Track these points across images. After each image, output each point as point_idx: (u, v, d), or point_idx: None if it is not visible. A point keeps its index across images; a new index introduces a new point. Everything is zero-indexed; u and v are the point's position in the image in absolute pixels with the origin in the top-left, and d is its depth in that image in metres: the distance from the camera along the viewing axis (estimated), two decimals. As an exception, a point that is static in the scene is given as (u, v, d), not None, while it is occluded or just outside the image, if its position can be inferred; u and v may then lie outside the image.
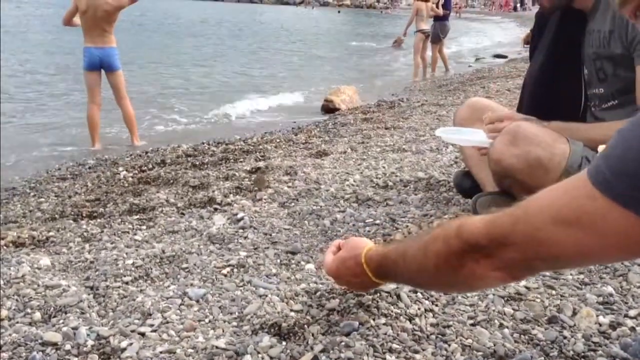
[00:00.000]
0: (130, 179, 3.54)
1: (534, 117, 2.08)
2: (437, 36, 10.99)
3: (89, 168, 4.35)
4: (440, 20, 11.08)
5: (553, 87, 2.18)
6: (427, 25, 10.82)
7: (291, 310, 1.62)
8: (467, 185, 2.52)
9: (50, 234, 2.47)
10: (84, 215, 2.78)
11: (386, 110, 6.09)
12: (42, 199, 3.31)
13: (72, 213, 2.84)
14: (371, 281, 1.35)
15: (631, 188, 0.66)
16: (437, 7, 10.87)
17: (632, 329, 1.50)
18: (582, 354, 1.40)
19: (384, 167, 3.28)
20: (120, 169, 3.94)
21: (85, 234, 2.46)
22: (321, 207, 2.57)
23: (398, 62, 13.13)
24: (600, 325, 1.52)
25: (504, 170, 1.95)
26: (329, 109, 7.33)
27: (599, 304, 1.62)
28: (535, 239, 0.78)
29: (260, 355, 1.39)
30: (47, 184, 3.83)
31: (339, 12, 45.39)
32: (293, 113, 7.50)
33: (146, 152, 4.68)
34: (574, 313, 1.57)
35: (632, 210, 0.66)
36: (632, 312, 1.57)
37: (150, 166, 3.89)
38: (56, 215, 2.83)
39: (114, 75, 5.38)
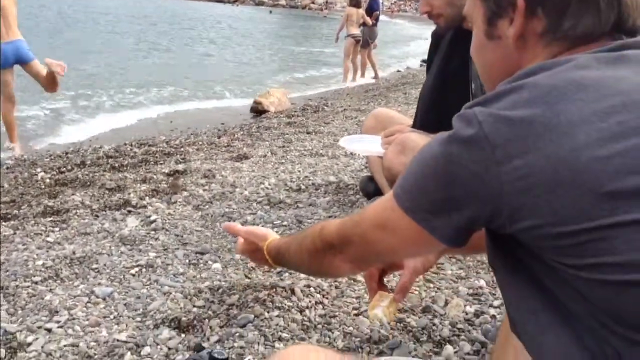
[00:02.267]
0: (47, 180, 3.54)
1: (424, 129, 2.29)
2: (366, 41, 11.28)
3: (7, 169, 4.30)
4: (367, 25, 11.38)
5: (443, 101, 2.39)
6: (358, 30, 11.11)
7: (194, 306, 1.75)
8: (371, 189, 2.73)
9: (-39, 235, 2.49)
10: (-2, 217, 2.79)
11: (310, 114, 6.28)
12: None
13: (-15, 215, 2.84)
14: (274, 266, 1.58)
15: (410, 201, 0.83)
16: (366, 13, 11.18)
17: (493, 316, 1.72)
18: (448, 338, 1.61)
19: (299, 172, 3.45)
20: (39, 170, 3.93)
21: (-3, 235, 2.50)
22: (233, 209, 2.70)
23: (332, 66, 13.35)
24: (466, 313, 1.74)
25: (394, 177, 2.15)
26: (257, 110, 7.45)
27: (469, 295, 1.85)
28: (364, 239, 0.96)
29: (159, 347, 1.52)
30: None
31: (270, 12, 42.85)
32: (223, 114, 7.57)
33: (66, 153, 4.65)
34: (446, 303, 1.78)
35: (412, 219, 0.83)
36: (496, 303, 1.80)
37: (69, 167, 3.90)
38: (-32, 217, 2.83)
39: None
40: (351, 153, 3.74)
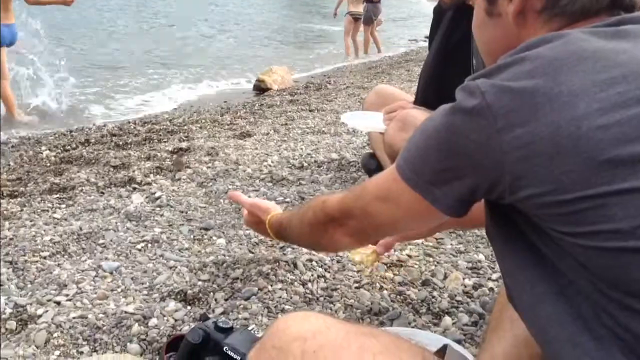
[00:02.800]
0: (52, 158, 3.58)
1: (425, 105, 2.31)
2: (369, 18, 11.20)
3: (12, 147, 4.33)
4: (372, 2, 11.29)
5: (443, 77, 2.41)
6: (357, 8, 11.02)
7: (199, 279, 1.80)
8: (373, 166, 2.75)
9: (-30, 212, 2.53)
10: (5, 194, 2.83)
11: (313, 92, 6.27)
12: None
13: (-7, 192, 2.88)
14: (275, 240, 1.60)
15: (412, 172, 0.84)
16: None
17: (491, 289, 1.76)
18: (446, 310, 1.65)
19: (301, 149, 3.47)
20: (43, 148, 3.95)
21: (5, 212, 2.54)
22: (237, 186, 2.73)
23: (336, 43, 13.26)
24: (465, 286, 1.78)
25: (395, 153, 2.16)
26: (260, 88, 7.45)
27: (468, 269, 1.89)
28: (366, 212, 0.98)
29: (165, 318, 1.57)
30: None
31: None
32: (225, 92, 7.57)
33: (70, 131, 4.68)
34: (445, 277, 1.82)
35: (413, 189, 0.84)
36: (494, 276, 1.84)
37: (74, 145, 3.93)
38: (-24, 195, 2.88)
39: None
40: (353, 129, 3.76)
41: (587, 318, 0.72)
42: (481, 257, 1.96)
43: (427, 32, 2.95)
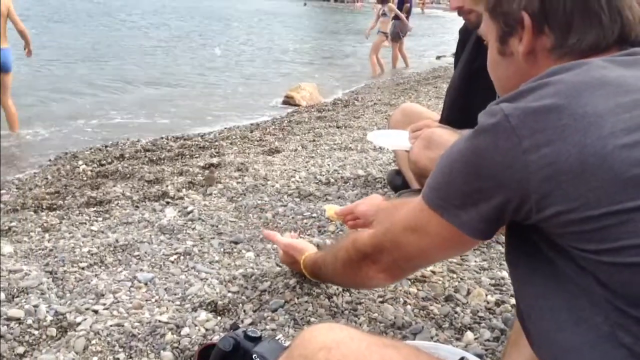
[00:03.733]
0: (89, 172, 3.72)
1: (450, 124, 2.36)
2: (397, 34, 11.30)
3: (49, 161, 4.50)
4: (398, 18, 11.38)
5: (469, 97, 2.45)
6: (387, 27, 11.15)
7: (228, 291, 1.87)
8: (398, 183, 2.80)
9: (12, 224, 2.66)
10: (44, 207, 2.96)
11: (341, 108, 6.36)
12: (4, 191, 3.47)
13: (33, 205, 3.02)
14: (312, 279, 1.71)
15: (438, 198, 0.88)
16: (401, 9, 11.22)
17: (514, 306, 1.79)
18: (468, 325, 1.68)
19: (328, 165, 3.54)
20: (80, 162, 4.10)
21: (45, 224, 2.66)
22: (265, 201, 2.81)
23: (364, 60, 13.36)
24: (487, 302, 1.81)
25: (420, 170, 2.23)
26: (289, 104, 7.58)
27: (491, 286, 1.91)
28: (396, 244, 1.02)
29: (197, 327, 1.64)
30: (8, 176, 3.97)
31: (305, 4, 43.15)
32: (255, 107, 7.71)
33: (106, 146, 4.84)
34: (468, 293, 1.86)
35: (441, 215, 0.88)
36: (517, 292, 1.86)
37: (109, 160, 4.07)
38: (17, 207, 3.01)
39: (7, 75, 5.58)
40: (379, 147, 3.81)
41: (606, 341, 0.73)
42: (504, 274, 1.99)
43: (454, 48, 2.99)
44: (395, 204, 1.78)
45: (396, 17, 11.29)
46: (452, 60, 11.93)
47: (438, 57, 14.09)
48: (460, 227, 0.86)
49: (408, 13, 11.53)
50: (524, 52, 0.89)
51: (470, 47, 2.53)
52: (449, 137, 2.24)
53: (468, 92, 2.46)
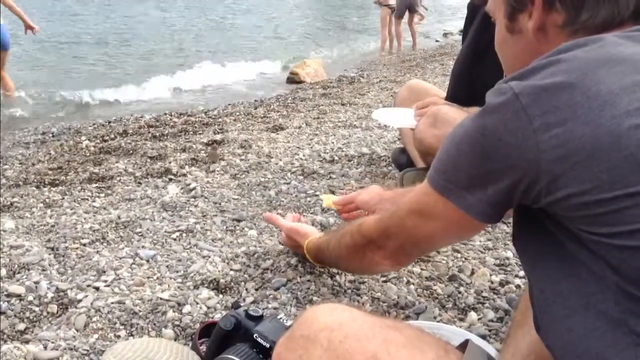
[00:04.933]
0: (92, 148, 3.69)
1: (456, 101, 2.32)
2: (402, 10, 11.12)
3: (53, 136, 4.48)
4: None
5: (475, 74, 2.41)
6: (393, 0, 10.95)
7: (231, 269, 1.85)
8: (403, 161, 2.77)
9: (14, 199, 2.65)
10: (47, 182, 2.95)
11: (346, 85, 6.30)
12: (7, 166, 3.45)
13: (35, 180, 3.00)
14: (314, 264, 1.69)
15: (444, 180, 0.85)
16: None
17: (518, 286, 1.77)
18: (472, 305, 1.67)
19: (332, 143, 3.51)
20: (83, 138, 4.08)
21: (47, 200, 2.65)
22: (269, 179, 2.79)
23: (371, 35, 13.20)
24: (492, 283, 1.79)
25: (426, 148, 2.20)
26: (294, 81, 7.52)
27: (496, 266, 1.90)
28: (402, 228, 1.00)
29: (198, 305, 1.63)
30: (10, 151, 3.96)
31: None
32: (259, 83, 7.68)
33: (109, 122, 4.82)
34: (472, 273, 1.84)
35: (447, 197, 0.85)
36: (521, 273, 1.84)
37: (112, 136, 4.05)
38: (20, 182, 3.00)
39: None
40: (384, 125, 3.77)
41: (615, 327, 0.71)
42: (509, 254, 1.97)
43: (462, 26, 2.94)
44: (399, 192, 1.76)
45: None
46: (458, 38, 11.83)
47: (445, 35, 13.92)
48: (467, 210, 0.83)
49: None
50: (534, 28, 0.85)
51: (478, 23, 2.48)
52: (455, 114, 2.20)
53: (475, 69, 2.42)
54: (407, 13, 11.02)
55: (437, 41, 12.73)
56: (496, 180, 0.78)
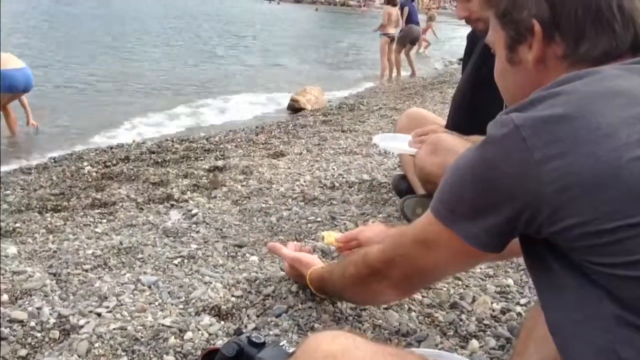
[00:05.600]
0: (94, 174, 3.72)
1: (456, 130, 2.35)
2: (406, 41, 11.26)
3: (55, 161, 4.51)
4: (407, 23, 11.34)
5: (475, 103, 2.44)
6: (393, 29, 11.11)
7: (232, 295, 1.86)
8: (403, 188, 2.79)
9: (17, 225, 2.66)
10: (49, 208, 2.96)
11: (346, 112, 6.35)
12: (9, 192, 3.47)
13: (38, 206, 3.02)
14: (318, 295, 1.69)
15: (446, 210, 0.85)
16: (402, 15, 11.17)
17: (519, 314, 1.78)
18: (473, 333, 1.67)
19: (333, 169, 3.54)
20: (85, 164, 4.11)
21: (49, 225, 2.66)
22: (270, 205, 2.80)
23: (372, 63, 13.34)
24: (493, 310, 1.79)
25: (426, 176, 2.22)
26: (294, 108, 7.59)
27: (497, 293, 1.90)
28: (407, 258, 1.00)
29: (200, 332, 1.63)
30: (12, 177, 3.98)
31: (316, 10, 43.36)
32: (261, 110, 7.75)
33: (111, 148, 4.85)
34: (473, 300, 1.84)
35: (450, 228, 0.86)
36: (522, 301, 1.85)
37: (114, 162, 4.08)
38: (22, 208, 3.01)
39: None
40: (384, 151, 3.80)
41: (607, 355, 0.72)
42: (510, 281, 1.98)
43: (462, 54, 2.99)
44: (403, 229, 1.75)
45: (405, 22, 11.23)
46: (457, 67, 11.97)
47: (446, 65, 14.06)
48: (469, 241, 0.84)
49: (409, 17, 11.36)
50: (534, 60, 0.87)
51: (478, 53, 2.52)
52: (456, 143, 2.23)
53: (475, 98, 2.45)
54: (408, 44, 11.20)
55: (435, 68, 12.88)
56: (498, 211, 0.78)
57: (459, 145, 2.23)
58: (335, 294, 1.50)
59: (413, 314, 1.75)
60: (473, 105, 2.42)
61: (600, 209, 0.69)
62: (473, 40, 2.67)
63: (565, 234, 0.73)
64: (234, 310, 1.76)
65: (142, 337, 1.60)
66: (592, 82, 0.76)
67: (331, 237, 1.92)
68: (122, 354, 1.54)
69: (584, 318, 0.75)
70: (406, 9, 11.25)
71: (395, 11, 11.00)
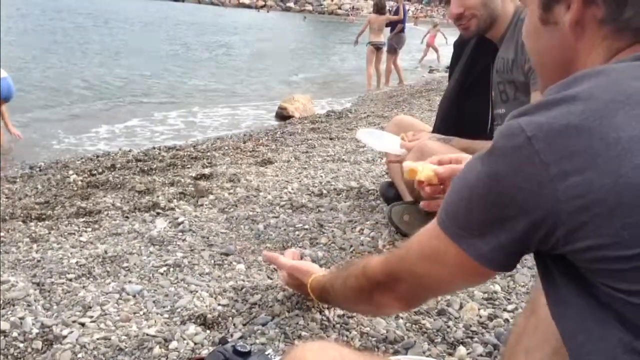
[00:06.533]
0: (79, 182, 3.68)
1: (442, 134, 2.35)
2: (392, 47, 11.33)
3: (40, 170, 4.46)
4: (395, 32, 11.41)
5: (462, 107, 2.45)
6: (378, 37, 11.16)
7: (218, 304, 1.84)
8: (391, 195, 2.79)
9: (0, 234, 2.62)
10: (33, 217, 2.93)
11: (334, 120, 6.36)
12: (-8, 201, 3.43)
13: (22, 215, 2.98)
14: (319, 303, 1.67)
15: (456, 227, 0.79)
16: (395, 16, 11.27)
17: (507, 320, 1.77)
18: (461, 340, 1.66)
19: (321, 177, 3.53)
20: (71, 172, 4.07)
21: (33, 234, 2.63)
22: (257, 212, 2.79)
23: (359, 71, 13.38)
24: (480, 317, 1.79)
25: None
26: (282, 116, 7.59)
27: (484, 300, 1.90)
28: (413, 273, 0.95)
29: (185, 341, 1.61)
30: (-3, 186, 3.93)
31: (304, 18, 43.13)
32: (249, 118, 7.74)
33: (97, 156, 4.81)
34: (461, 307, 1.84)
35: (459, 245, 0.80)
36: (510, 307, 1.85)
37: (100, 170, 4.04)
38: (6, 217, 2.97)
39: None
40: (368, 147, 3.75)
41: None
42: (497, 288, 1.98)
43: (449, 62, 3.00)
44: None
45: (393, 30, 11.31)
46: (445, 74, 12.05)
47: (431, 71, 14.16)
48: (479, 260, 0.79)
49: (396, 25, 11.45)
50: (571, 22, 0.78)
51: (466, 58, 2.53)
52: (441, 148, 2.23)
53: (463, 103, 2.47)
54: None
55: (423, 76, 12.96)
56: (510, 228, 0.73)
57: (444, 150, 2.22)
58: (337, 304, 1.47)
59: (400, 321, 1.74)
60: (460, 111, 2.43)
61: (619, 234, 0.64)
62: (460, 47, 2.68)
63: (582, 255, 0.68)
64: (220, 319, 1.74)
65: (126, 347, 1.58)
66: (611, 85, 0.69)
67: (428, 170, 1.42)
68: (106, 364, 1.52)
69: (585, 340, 0.71)
70: (401, 12, 11.31)
71: (376, 19, 11.03)
